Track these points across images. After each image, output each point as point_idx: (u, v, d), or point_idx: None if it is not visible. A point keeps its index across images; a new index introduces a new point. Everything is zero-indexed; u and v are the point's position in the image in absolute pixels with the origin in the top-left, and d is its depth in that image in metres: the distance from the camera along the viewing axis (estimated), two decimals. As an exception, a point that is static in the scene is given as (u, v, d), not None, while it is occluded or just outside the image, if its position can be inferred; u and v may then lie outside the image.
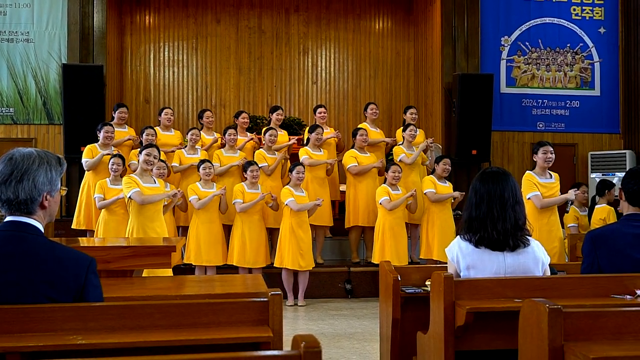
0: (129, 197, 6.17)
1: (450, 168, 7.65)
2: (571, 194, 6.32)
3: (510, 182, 3.08)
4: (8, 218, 2.22)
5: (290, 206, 7.14)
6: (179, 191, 6.81)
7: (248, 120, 8.64)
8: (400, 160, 7.85)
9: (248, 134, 8.58)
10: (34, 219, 2.23)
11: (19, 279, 2.15)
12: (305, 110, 11.35)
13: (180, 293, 2.99)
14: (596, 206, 7.69)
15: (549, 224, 6.19)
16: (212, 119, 8.55)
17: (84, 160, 7.58)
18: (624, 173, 3.41)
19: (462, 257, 3.07)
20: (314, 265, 7.43)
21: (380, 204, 7.39)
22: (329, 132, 8.45)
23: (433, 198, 7.44)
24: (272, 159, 7.87)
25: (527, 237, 3.09)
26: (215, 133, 8.60)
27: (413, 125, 8.24)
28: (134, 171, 7.48)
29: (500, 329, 2.96)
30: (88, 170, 7.59)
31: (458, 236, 3.15)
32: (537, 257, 3.09)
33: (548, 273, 3.16)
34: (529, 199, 6.08)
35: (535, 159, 6.30)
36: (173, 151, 7.97)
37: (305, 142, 8.19)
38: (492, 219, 3.01)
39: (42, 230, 2.25)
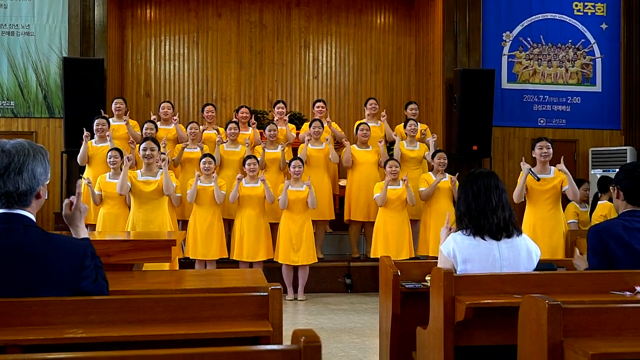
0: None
1: (445, 162, 7.62)
2: (524, 166, 6.20)
3: (499, 178, 3.27)
4: (1, 211, 2.22)
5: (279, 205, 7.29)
6: (128, 156, 6.53)
7: (248, 115, 8.64)
8: (393, 159, 7.81)
9: (250, 128, 8.58)
10: (28, 211, 2.24)
11: (17, 272, 2.16)
12: (306, 105, 11.33)
13: (181, 287, 2.99)
14: (599, 202, 7.69)
15: (544, 219, 6.22)
16: (212, 113, 8.53)
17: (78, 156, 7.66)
18: (617, 170, 3.40)
19: (458, 251, 3.11)
20: (314, 261, 7.42)
21: (375, 199, 7.45)
22: (328, 126, 8.47)
23: (422, 195, 7.48)
24: (269, 153, 7.87)
25: (518, 229, 3.19)
26: (218, 127, 8.60)
27: (413, 120, 8.25)
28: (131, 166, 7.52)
29: (500, 324, 2.97)
30: (81, 164, 7.65)
31: (453, 233, 3.19)
32: (529, 248, 3.18)
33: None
34: None
35: (533, 155, 6.36)
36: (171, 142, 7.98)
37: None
38: (492, 207, 3.11)
39: (35, 221, 2.26)
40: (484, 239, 3.10)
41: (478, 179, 3.19)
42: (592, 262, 3.28)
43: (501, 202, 3.12)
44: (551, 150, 6.29)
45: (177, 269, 5.96)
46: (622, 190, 3.29)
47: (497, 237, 3.10)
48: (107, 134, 7.61)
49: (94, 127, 7.62)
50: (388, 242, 7.34)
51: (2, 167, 2.19)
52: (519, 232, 3.16)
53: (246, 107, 8.75)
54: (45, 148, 2.35)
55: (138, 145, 6.87)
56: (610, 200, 7.55)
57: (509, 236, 3.11)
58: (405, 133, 8.24)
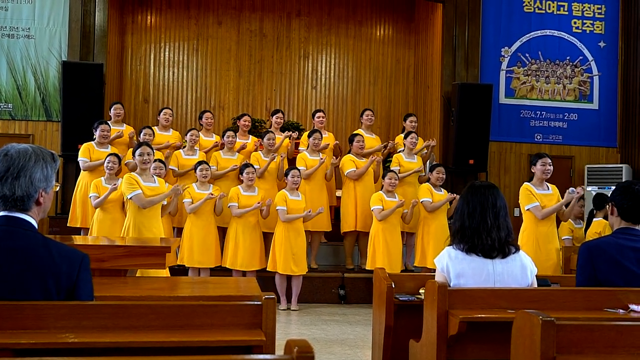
0: (129, 198, 6.12)
1: (444, 177, 7.64)
2: (568, 195, 6.18)
3: (501, 193, 3.19)
4: (2, 213, 2.21)
5: (279, 214, 7.18)
6: (178, 186, 6.56)
7: (250, 124, 8.64)
8: (393, 170, 7.80)
9: (250, 136, 8.59)
10: (29, 215, 2.23)
11: (12, 275, 2.15)
12: (304, 115, 11.35)
13: (174, 294, 2.99)
14: (594, 219, 7.69)
15: (547, 236, 6.19)
16: (212, 120, 8.57)
17: (80, 158, 7.60)
18: (613, 188, 3.42)
19: (452, 265, 3.09)
20: (307, 270, 7.42)
21: (372, 211, 7.42)
22: (327, 137, 8.47)
23: (429, 208, 7.45)
24: (266, 162, 7.86)
25: (516, 246, 3.14)
26: (215, 135, 8.61)
27: (414, 133, 8.25)
28: (131, 170, 7.46)
29: (493, 339, 2.96)
30: (85, 171, 7.62)
31: (448, 246, 3.17)
32: (524, 264, 3.14)
33: (535, 284, 3.17)
34: (527, 210, 6.13)
35: (533, 171, 6.29)
36: (167, 147, 7.94)
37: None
38: (486, 227, 3.07)
39: (36, 227, 2.25)
40: (477, 255, 3.09)
41: (476, 195, 3.14)
42: (578, 280, 3.30)
43: (497, 222, 3.07)
44: (552, 167, 6.27)
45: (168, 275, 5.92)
46: (616, 206, 3.31)
47: (490, 256, 3.07)
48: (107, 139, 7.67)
49: (98, 133, 7.61)
50: (385, 254, 7.32)
51: (1, 171, 2.18)
52: (516, 250, 3.13)
53: (248, 115, 8.75)
54: (56, 154, 2.33)
55: (132, 150, 6.86)
56: (606, 217, 7.56)
57: (504, 256, 3.08)
58: (404, 144, 8.22)
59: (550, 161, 6.24)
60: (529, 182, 6.33)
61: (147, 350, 2.18)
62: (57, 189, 2.36)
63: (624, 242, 3.22)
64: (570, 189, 6.20)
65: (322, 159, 7.87)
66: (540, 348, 2.20)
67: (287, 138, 8.36)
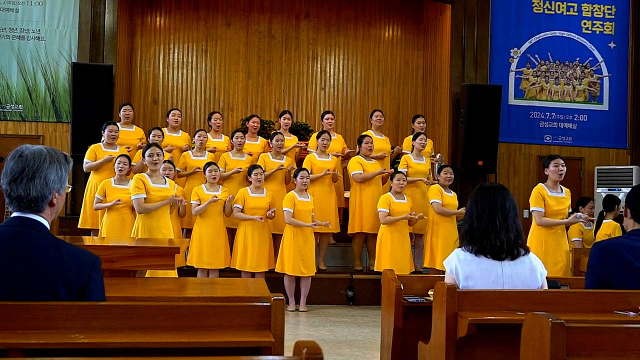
0: (132, 199, 6.17)
1: (452, 177, 7.62)
2: (573, 218, 6.17)
3: (510, 195, 3.17)
4: (15, 214, 2.23)
5: (284, 216, 7.18)
6: (177, 197, 6.31)
7: (259, 125, 8.64)
8: (401, 172, 7.79)
9: (259, 137, 8.60)
10: (41, 216, 2.24)
11: (24, 275, 2.16)
12: (312, 116, 11.36)
13: (183, 295, 2.99)
14: (604, 221, 7.66)
15: (556, 237, 6.15)
16: (221, 121, 8.59)
17: (84, 160, 7.64)
18: (629, 189, 3.41)
19: (460, 267, 3.08)
20: (315, 272, 7.42)
21: (378, 213, 7.42)
22: (336, 139, 8.47)
23: (438, 210, 7.43)
24: (274, 163, 7.87)
25: (525, 248, 3.12)
26: (224, 136, 8.62)
27: (423, 134, 8.23)
28: (136, 172, 7.49)
29: (502, 341, 2.95)
30: (87, 171, 7.66)
31: (457, 248, 3.16)
32: (534, 266, 3.12)
33: (546, 286, 3.16)
34: (533, 211, 6.11)
35: (546, 173, 6.23)
36: (177, 149, 7.97)
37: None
38: (495, 229, 3.05)
39: (49, 228, 2.26)
40: (486, 257, 3.08)
41: (485, 196, 3.13)
42: (588, 279, 3.29)
43: (506, 224, 3.05)
44: (565, 168, 6.24)
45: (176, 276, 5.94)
46: (629, 207, 3.30)
47: (499, 258, 3.06)
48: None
49: (106, 133, 7.64)
50: (393, 256, 7.31)
51: (16, 172, 2.19)
52: (526, 252, 3.11)
53: (257, 116, 8.76)
54: (69, 156, 2.34)
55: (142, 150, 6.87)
56: (615, 219, 7.53)
57: (513, 258, 3.06)
58: (413, 145, 8.20)
59: (563, 162, 6.20)
60: (543, 183, 6.28)
61: (155, 350, 2.18)
62: (69, 190, 2.37)
63: (636, 243, 3.20)
64: (578, 214, 6.20)
65: (327, 170, 7.83)
66: (549, 350, 2.19)
67: (296, 147, 8.40)
